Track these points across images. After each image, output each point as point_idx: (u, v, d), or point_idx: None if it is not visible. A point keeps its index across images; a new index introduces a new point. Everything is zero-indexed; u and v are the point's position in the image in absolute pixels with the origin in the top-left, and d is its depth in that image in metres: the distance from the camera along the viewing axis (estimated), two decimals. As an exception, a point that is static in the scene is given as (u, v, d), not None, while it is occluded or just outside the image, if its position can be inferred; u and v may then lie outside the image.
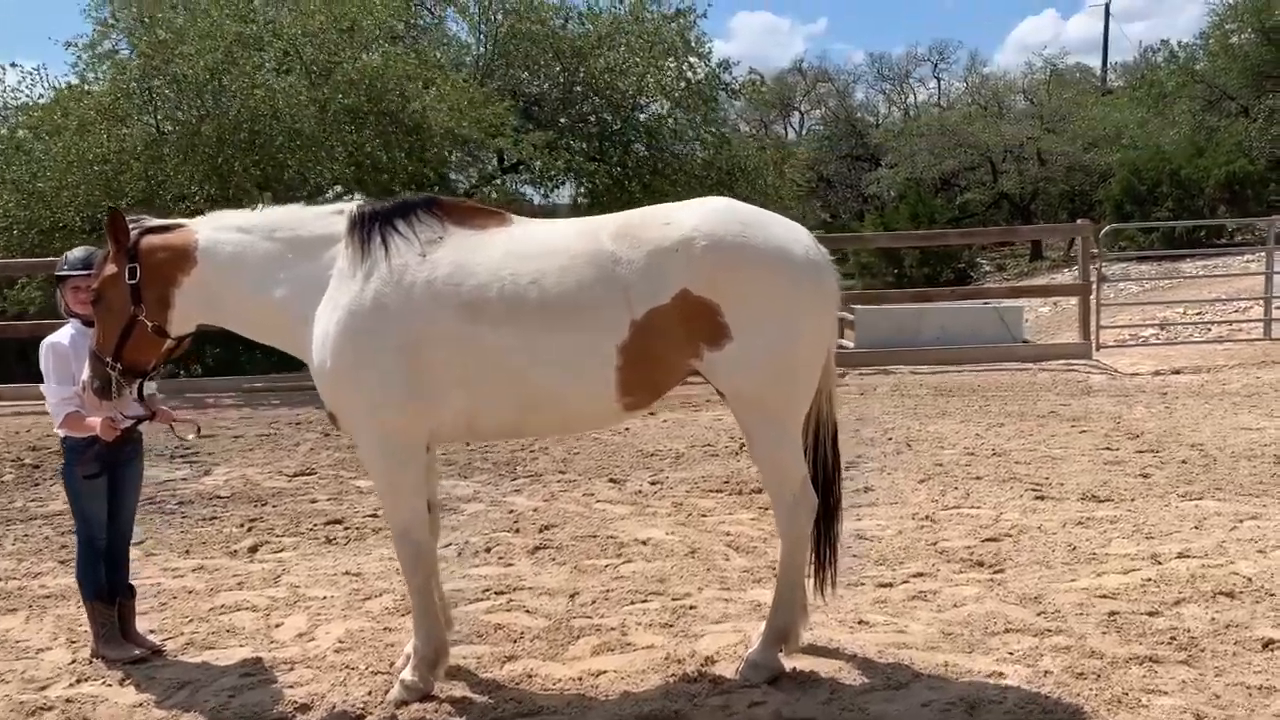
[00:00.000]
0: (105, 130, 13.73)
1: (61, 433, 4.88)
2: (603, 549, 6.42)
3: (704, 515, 7.17)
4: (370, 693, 4.47)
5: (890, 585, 5.61)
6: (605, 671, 4.61)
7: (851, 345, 14.88)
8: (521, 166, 18.47)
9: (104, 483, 4.89)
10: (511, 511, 7.40)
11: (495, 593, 5.67)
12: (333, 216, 4.36)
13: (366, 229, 4.28)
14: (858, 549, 6.24)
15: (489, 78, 18.41)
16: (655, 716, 4.15)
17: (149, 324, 4.36)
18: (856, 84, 55.55)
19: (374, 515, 7.40)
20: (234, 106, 13.47)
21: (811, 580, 4.68)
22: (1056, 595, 5.36)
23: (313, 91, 13.98)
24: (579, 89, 18.98)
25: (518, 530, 6.91)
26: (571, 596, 5.59)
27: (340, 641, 5.04)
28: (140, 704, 4.46)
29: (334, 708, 4.35)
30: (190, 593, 5.86)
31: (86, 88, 14.88)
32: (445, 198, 4.55)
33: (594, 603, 5.49)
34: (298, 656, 4.88)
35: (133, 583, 5.17)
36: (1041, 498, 7.30)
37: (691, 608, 5.37)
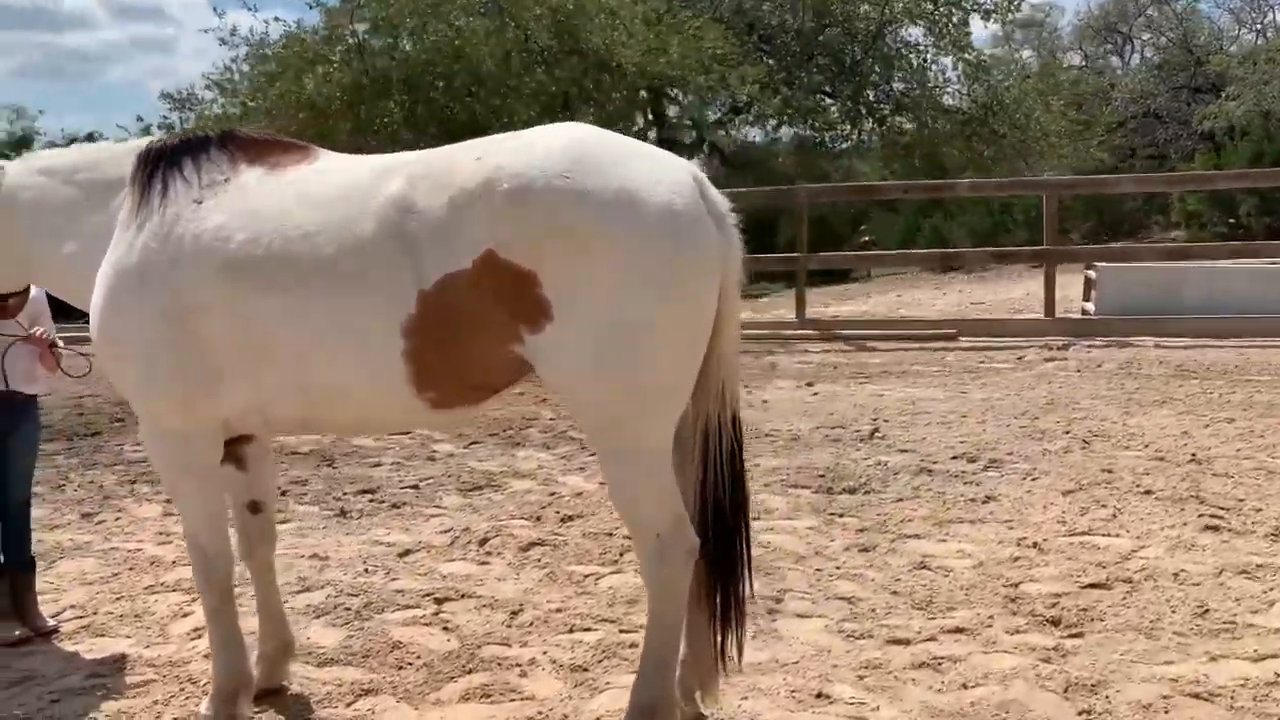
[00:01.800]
0: (313, 75, 13.99)
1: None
2: (603, 553, 5.43)
3: (758, 517, 5.94)
4: (190, 715, 3.81)
5: (905, 643, 4.26)
6: (450, 728, 3.68)
7: (1093, 310, 12.63)
8: (750, 107, 17.19)
9: None
10: (552, 494, 6.54)
11: (435, 599, 4.85)
12: (128, 156, 3.62)
13: (149, 170, 3.51)
14: (905, 584, 4.87)
15: (723, 8, 17.16)
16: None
17: None
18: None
19: (415, 487, 6.82)
20: (423, 49, 13.29)
21: (707, 647, 3.48)
22: (1128, 686, 3.82)
23: (500, 32, 13.51)
24: (815, 19, 17.33)
25: (537, 519, 6.05)
26: (513, 614, 4.67)
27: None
28: (-37, 699, 4.05)
29: (135, 732, 3.73)
30: (152, 564, 5.49)
31: (302, 35, 15.27)
32: (245, 131, 3.68)
33: (530, 624, 4.56)
34: (163, 658, 4.32)
35: (35, 555, 4.81)
36: (1215, 528, 5.50)
37: (632, 645, 4.30)
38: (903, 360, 11.17)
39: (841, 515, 5.96)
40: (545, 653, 4.27)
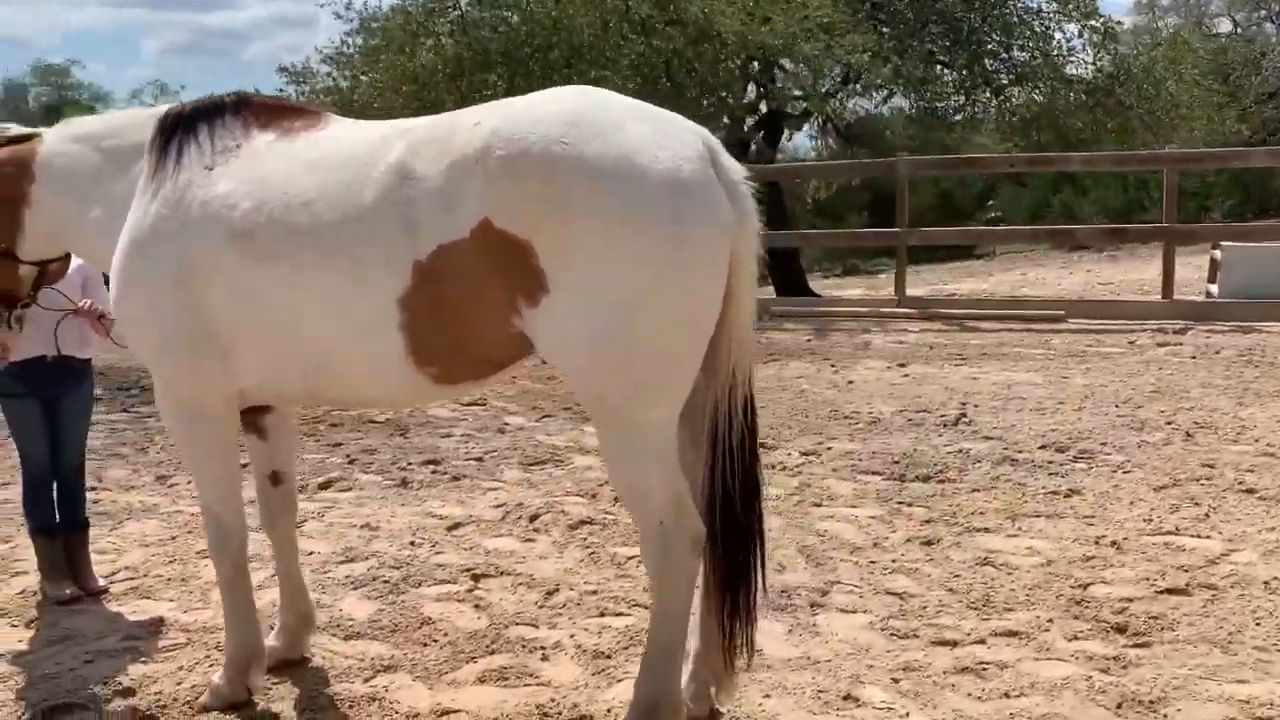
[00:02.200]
0: (415, 48, 14.08)
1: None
2: (652, 534, 5.26)
3: (820, 504, 5.72)
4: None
5: (951, 644, 3.99)
6: (458, 712, 3.59)
7: (1216, 293, 11.83)
8: (858, 78, 16.60)
9: (36, 412, 4.60)
10: (589, 457, 6.40)
11: (473, 575, 4.78)
12: (150, 122, 3.59)
13: (166, 136, 3.47)
14: (963, 581, 4.58)
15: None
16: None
17: None
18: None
19: (479, 459, 6.78)
20: (523, 20, 13.21)
21: (719, 643, 3.28)
22: (1190, 705, 3.49)
23: (600, 2, 13.32)
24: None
25: (592, 497, 5.94)
26: (548, 594, 4.57)
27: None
28: (5, 652, 4.14)
29: (157, 695, 3.74)
30: (211, 528, 5.57)
31: (408, 8, 15.35)
32: (259, 95, 3.61)
33: (564, 606, 4.44)
34: (199, 623, 4.36)
35: (106, 514, 4.93)
36: (1321, 534, 5.03)
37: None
38: (1005, 342, 10.66)
39: (909, 505, 5.67)
40: (572, 636, 4.15)
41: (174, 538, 5.43)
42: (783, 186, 18.46)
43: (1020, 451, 6.59)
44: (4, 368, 4.39)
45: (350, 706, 3.65)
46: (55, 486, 4.72)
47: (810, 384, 8.86)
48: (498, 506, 5.77)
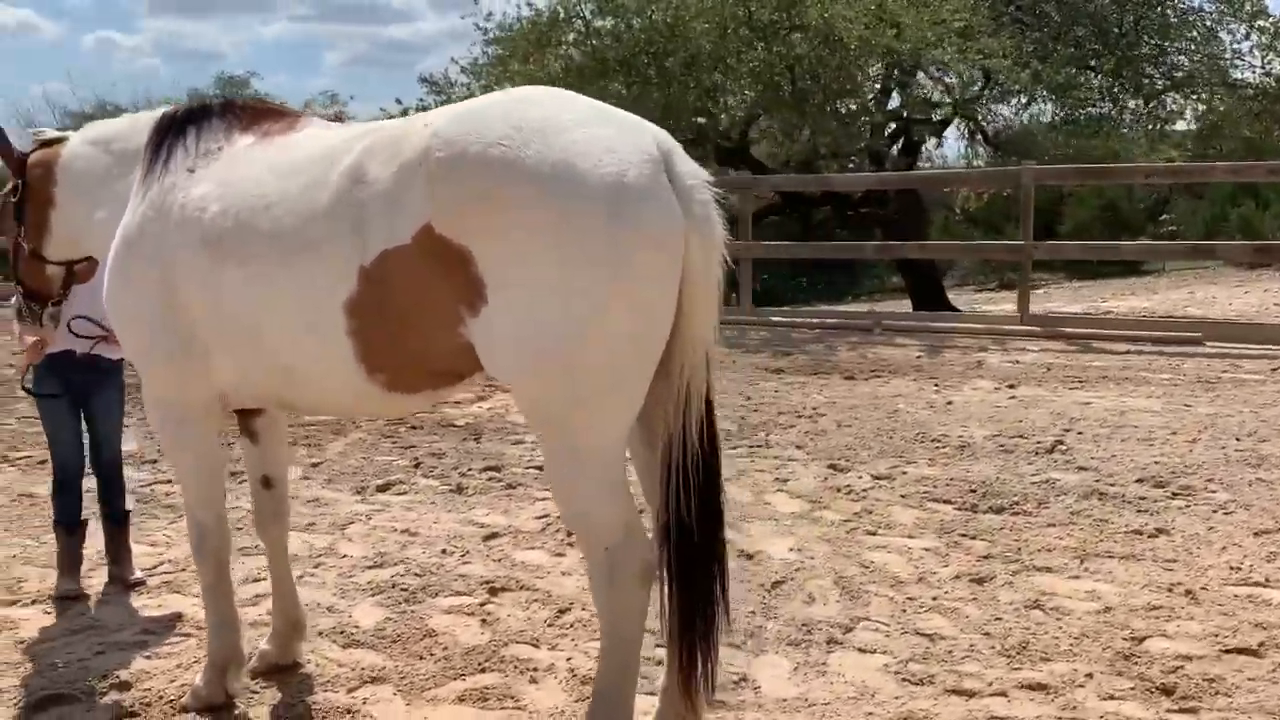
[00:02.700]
0: (541, 57, 14.20)
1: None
2: (686, 555, 5.06)
3: (875, 532, 5.40)
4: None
5: (967, 695, 3.66)
6: (426, 731, 3.49)
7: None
8: (995, 83, 15.86)
9: (64, 409, 4.73)
10: (669, 487, 6.21)
11: (491, 589, 4.69)
12: (150, 124, 3.63)
13: (158, 139, 3.50)
14: (1004, 625, 4.21)
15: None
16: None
17: (26, 246, 4.02)
18: None
19: (539, 468, 6.69)
20: (641, 28, 13.13)
21: (672, 678, 3.07)
22: (1224, 786, 3.07)
23: (719, 8, 13.11)
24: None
25: (641, 513, 5.75)
26: (559, 612, 4.44)
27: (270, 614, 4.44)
28: (28, 639, 4.28)
29: (146, 691, 3.79)
30: (260, 526, 5.66)
31: (533, 18, 15.48)
32: (244, 99, 3.60)
33: (571, 626, 4.30)
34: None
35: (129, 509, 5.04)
36: None
37: (659, 663, 3.94)
38: (1130, 365, 9.93)
39: (972, 537, 5.28)
40: (569, 659, 4.00)
41: (235, 531, 5.53)
42: (922, 196, 17.87)
43: (1113, 485, 6.08)
44: (38, 362, 4.55)
45: (324, 717, 3.59)
46: (96, 481, 4.86)
47: (907, 404, 8.44)
48: (540, 518, 5.67)
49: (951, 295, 20.26)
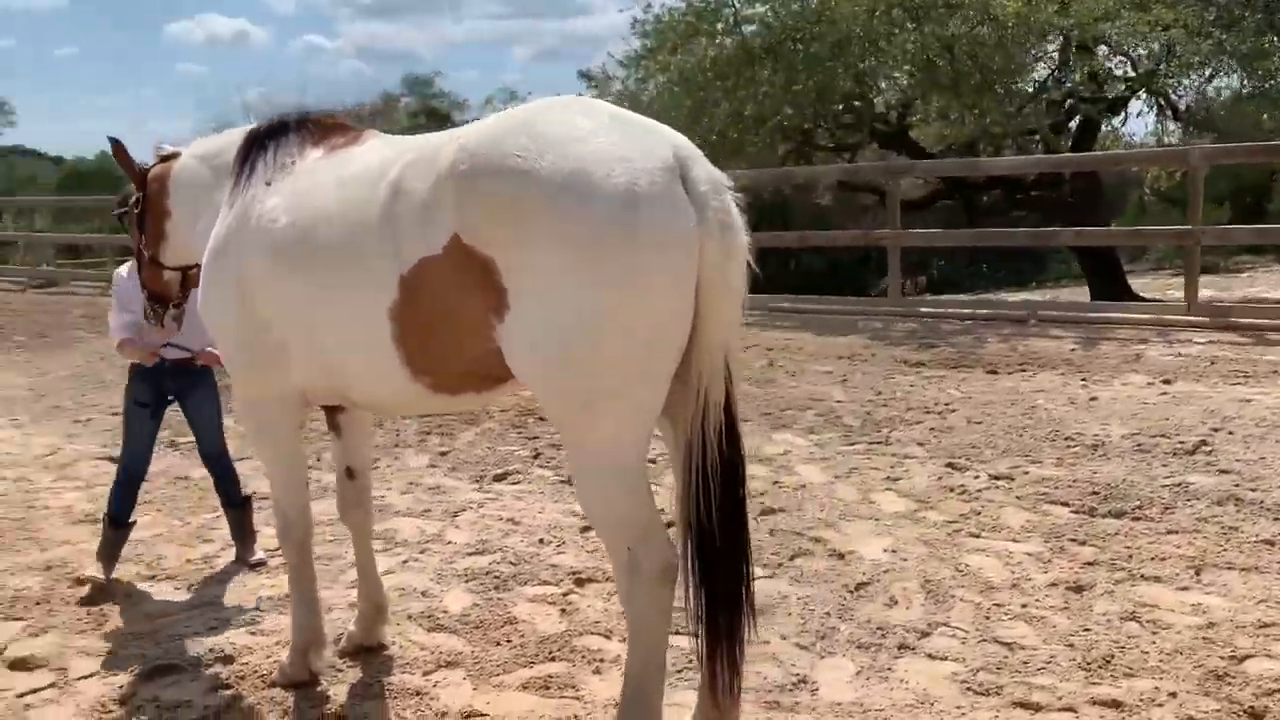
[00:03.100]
0: (690, 47, 14.23)
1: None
2: (775, 553, 5.06)
3: (978, 535, 5.24)
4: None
5: (1034, 709, 3.56)
6: (484, 716, 3.64)
7: None
8: (1173, 55, 14.83)
9: (148, 417, 5.04)
10: (775, 484, 6.20)
11: (577, 579, 4.82)
12: (240, 140, 3.90)
13: (245, 153, 3.77)
14: (1091, 637, 4.04)
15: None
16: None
17: (146, 254, 4.39)
18: None
19: (653, 461, 6.77)
20: (788, 14, 12.94)
21: (701, 679, 3.10)
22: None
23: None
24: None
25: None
26: (638, 606, 4.51)
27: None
28: (155, 612, 4.67)
29: (244, 666, 4.09)
30: (379, 511, 5.97)
31: (684, 10, 15.51)
32: (318, 114, 3.78)
33: (646, 620, 4.36)
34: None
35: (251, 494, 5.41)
36: None
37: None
38: (1309, 359, 9.18)
39: (1082, 543, 5.06)
40: (637, 652, 4.07)
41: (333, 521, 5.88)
42: (1101, 177, 16.99)
43: (1254, 490, 5.68)
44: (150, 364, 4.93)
45: (395, 698, 3.80)
46: (209, 474, 5.30)
47: (1047, 399, 8.09)
48: (642, 511, 5.75)
49: (1144, 281, 19.16)
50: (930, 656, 3.96)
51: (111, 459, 7.14)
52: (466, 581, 4.87)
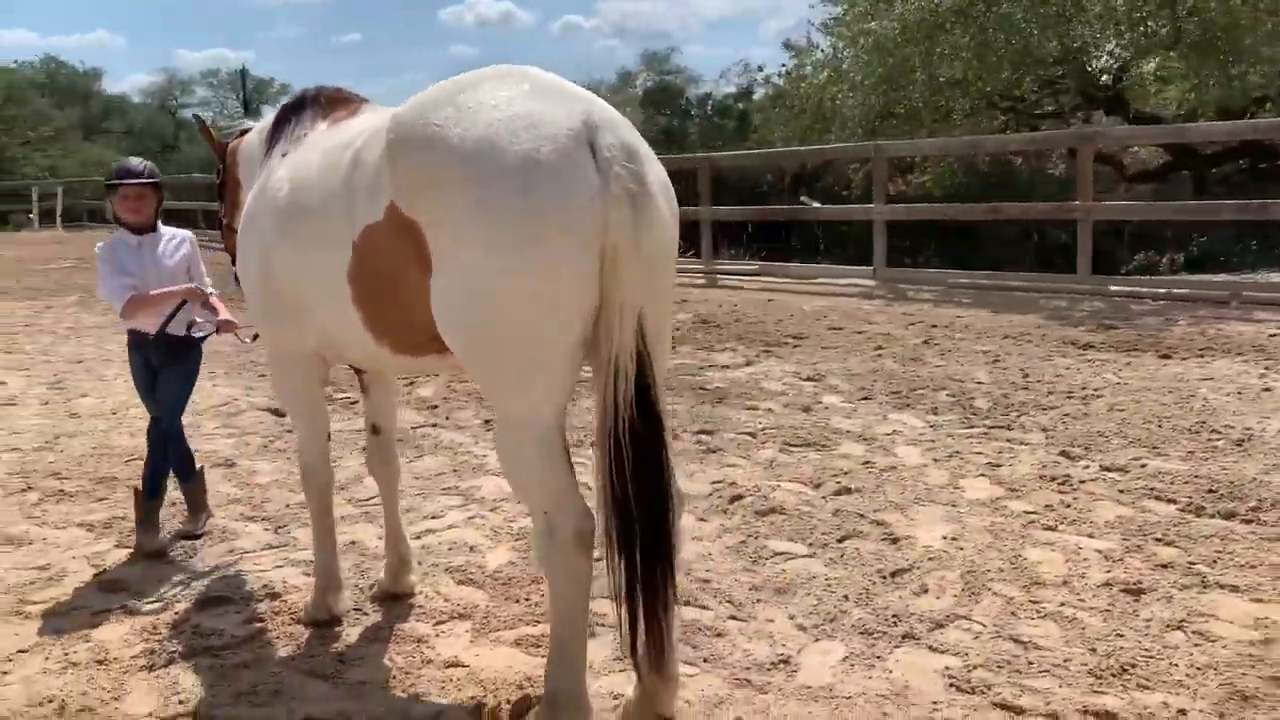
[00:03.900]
0: (877, 13, 13.74)
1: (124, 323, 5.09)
2: (827, 533, 4.92)
3: (1055, 527, 4.90)
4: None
5: (1016, 712, 3.32)
6: (464, 667, 3.78)
7: None
8: None
9: (146, 378, 5.10)
10: (865, 464, 6.00)
11: (619, 546, 4.86)
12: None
13: (273, 128, 4.03)
14: (1122, 642, 3.73)
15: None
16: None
17: (224, 221, 4.77)
18: None
19: (751, 434, 6.72)
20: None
21: (634, 646, 3.08)
22: None
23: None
24: None
25: (816, 485, 5.64)
26: (664, 575, 4.52)
27: (424, 546, 4.93)
28: (237, 549, 5.10)
29: (283, 603, 4.41)
30: (474, 469, 6.23)
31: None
32: (330, 88, 3.96)
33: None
34: (375, 550, 4.97)
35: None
36: None
37: (717, 634, 3.95)
38: None
39: (1168, 543, 4.63)
40: (641, 620, 4.09)
41: (455, 469, 6.19)
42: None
43: (1406, 500, 4.99)
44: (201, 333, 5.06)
45: (396, 643, 4.00)
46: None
47: (1212, 389, 7.37)
48: (715, 484, 5.73)
49: None
50: (932, 649, 3.76)
51: (275, 412, 7.82)
52: (516, 541, 5.02)
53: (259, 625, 4.21)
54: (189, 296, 4.91)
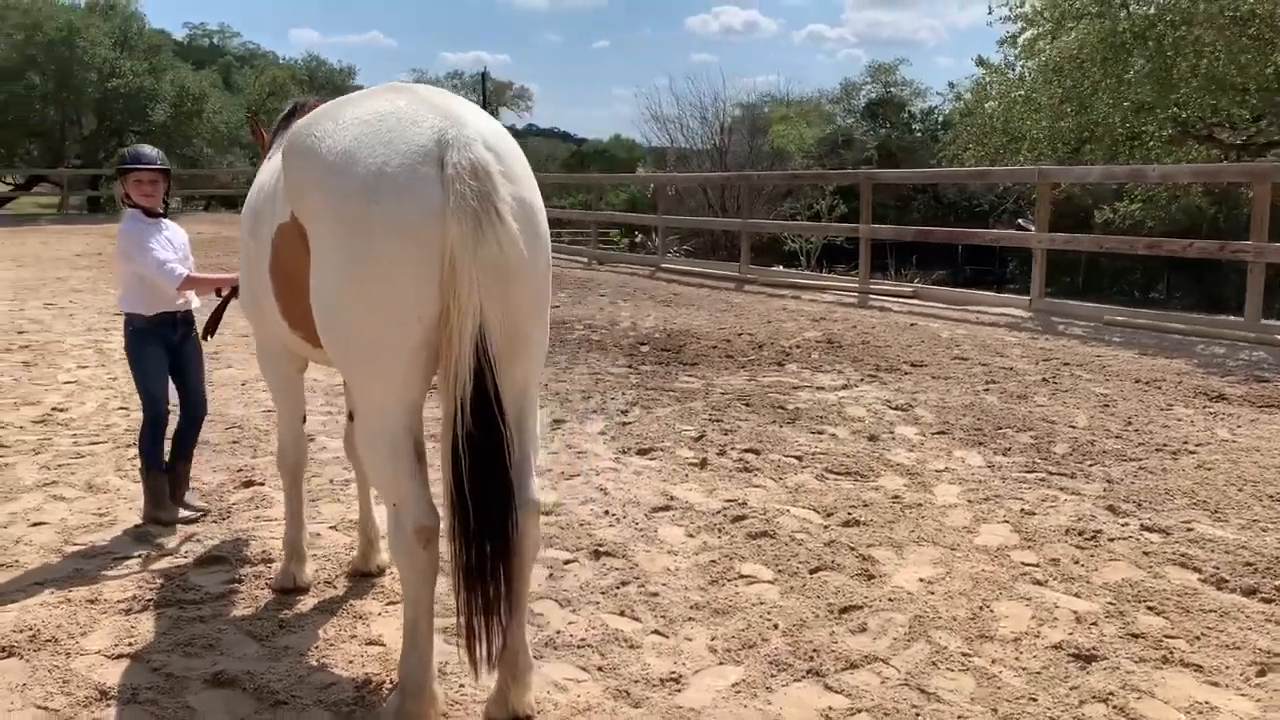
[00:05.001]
0: (1059, 32, 13.05)
1: (184, 299, 5.38)
2: (803, 563, 4.85)
3: (1047, 582, 4.64)
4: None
5: (863, 761, 3.22)
6: (380, 646, 4.00)
7: None
8: None
9: (165, 361, 5.36)
10: (894, 499, 5.83)
11: (595, 552, 4.97)
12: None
13: (274, 133, 4.39)
14: (1035, 707, 3.54)
15: None
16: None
17: None
18: None
19: (798, 458, 6.64)
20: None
21: (462, 641, 3.20)
22: None
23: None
24: None
25: (829, 515, 5.54)
26: (620, 584, 4.61)
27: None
28: (274, 518, 5.54)
29: (267, 567, 4.79)
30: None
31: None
32: (315, 99, 4.24)
33: (599, 592, 4.46)
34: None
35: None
36: None
37: (633, 646, 4.00)
38: None
39: (1159, 613, 4.32)
40: (570, 623, 4.20)
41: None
42: None
43: None
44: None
45: (338, 616, 4.28)
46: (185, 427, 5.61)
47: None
48: (728, 502, 5.72)
49: None
50: (829, 688, 3.68)
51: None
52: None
53: (234, 586, 4.60)
54: (229, 284, 5.37)
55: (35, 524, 5.37)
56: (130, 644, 4.01)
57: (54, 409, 7.94)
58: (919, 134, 49.75)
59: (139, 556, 4.95)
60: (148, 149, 5.42)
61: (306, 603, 4.45)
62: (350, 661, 3.88)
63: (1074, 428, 7.41)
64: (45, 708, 3.55)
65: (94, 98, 40.73)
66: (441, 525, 3.18)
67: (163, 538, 5.20)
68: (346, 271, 2.98)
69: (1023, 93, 15.62)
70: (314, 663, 3.88)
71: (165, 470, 5.45)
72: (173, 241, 5.34)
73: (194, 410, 5.59)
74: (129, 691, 3.63)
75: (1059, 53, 12.91)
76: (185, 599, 4.44)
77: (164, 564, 4.86)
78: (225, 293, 5.19)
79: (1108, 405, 8.13)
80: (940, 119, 48.18)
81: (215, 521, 5.49)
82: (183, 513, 5.44)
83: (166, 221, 5.43)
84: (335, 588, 4.61)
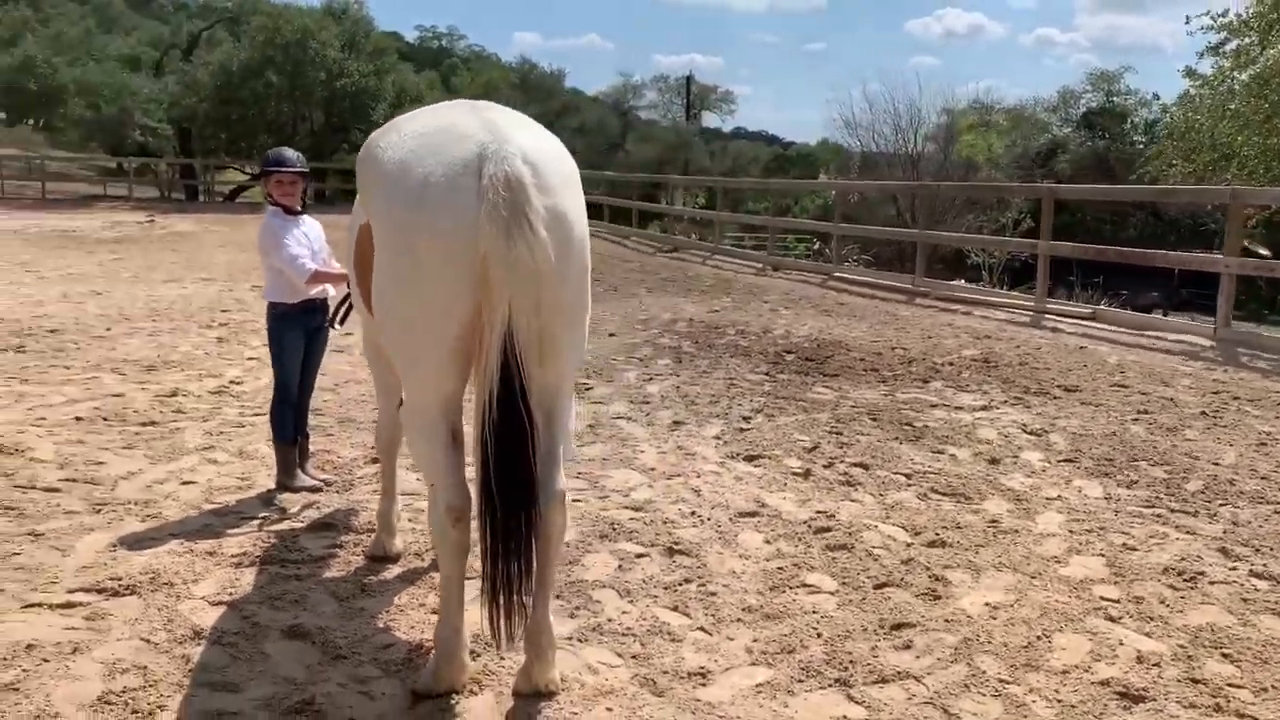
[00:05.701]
0: (1267, 43, 12.17)
1: (321, 289, 5.84)
2: (873, 577, 4.87)
3: (1120, 619, 4.50)
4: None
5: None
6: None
7: None
8: None
9: (302, 346, 5.92)
10: (992, 523, 5.73)
11: (671, 549, 5.15)
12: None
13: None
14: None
15: None
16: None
17: None
18: None
19: (863, 466, 6.59)
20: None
21: (485, 616, 3.43)
22: None
23: None
24: None
25: (917, 534, 5.51)
26: (621, 564, 4.78)
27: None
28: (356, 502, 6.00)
29: (362, 537, 5.20)
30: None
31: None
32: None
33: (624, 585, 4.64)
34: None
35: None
36: None
37: (675, 640, 4.17)
38: None
39: (1233, 661, 4.13)
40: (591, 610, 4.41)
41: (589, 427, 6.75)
42: None
43: None
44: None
45: (418, 585, 4.63)
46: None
47: None
48: (818, 513, 5.77)
49: None
50: (851, 699, 3.74)
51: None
52: (576, 526, 5.45)
53: (334, 550, 5.04)
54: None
55: (186, 482, 6.02)
56: (231, 593, 4.49)
57: (231, 382, 8.77)
58: (1140, 145, 47.00)
59: (262, 518, 5.48)
60: (289, 152, 5.92)
61: (392, 571, 4.83)
62: (412, 627, 4.22)
63: (1217, 465, 7.01)
64: (148, 640, 4.04)
65: (322, 96, 43.86)
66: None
67: (288, 503, 5.73)
68: (394, 269, 3.30)
69: (1233, 106, 14.65)
70: (380, 625, 4.24)
71: (293, 443, 5.97)
72: (309, 236, 5.85)
73: (306, 395, 6.11)
74: (217, 634, 4.09)
75: (1268, 64, 12.02)
76: (288, 558, 4.90)
77: (282, 526, 5.37)
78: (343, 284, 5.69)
79: (1265, 444, 7.63)
80: (1164, 130, 45.45)
81: (338, 492, 5.99)
82: (307, 481, 5.96)
83: (305, 218, 5.94)
84: (422, 560, 4.97)
